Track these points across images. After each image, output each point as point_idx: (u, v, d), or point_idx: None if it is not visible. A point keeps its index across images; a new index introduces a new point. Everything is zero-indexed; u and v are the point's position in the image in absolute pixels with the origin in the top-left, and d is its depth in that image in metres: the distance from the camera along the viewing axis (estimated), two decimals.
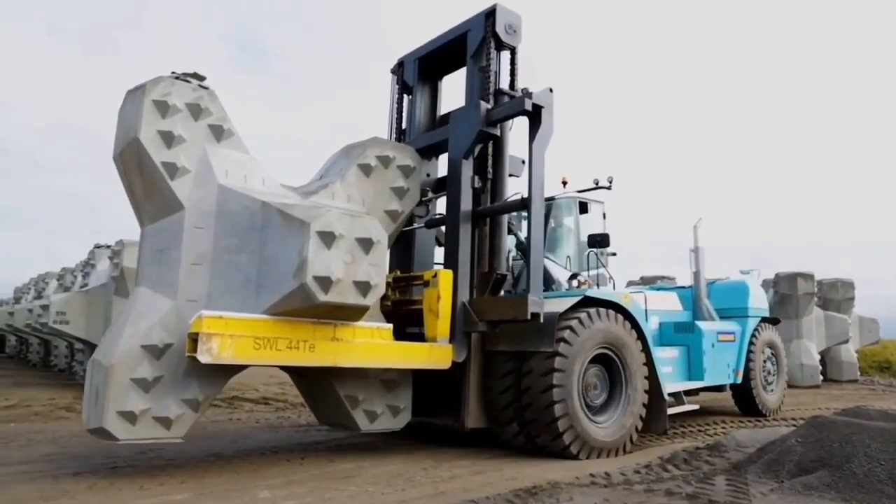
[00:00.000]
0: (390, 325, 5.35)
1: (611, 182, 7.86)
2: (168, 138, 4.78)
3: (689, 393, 8.00)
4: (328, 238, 4.52)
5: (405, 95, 7.33)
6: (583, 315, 5.71)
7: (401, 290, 6.26)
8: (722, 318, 8.65)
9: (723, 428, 7.70)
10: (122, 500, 4.02)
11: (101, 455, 5.38)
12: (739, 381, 8.25)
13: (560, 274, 7.25)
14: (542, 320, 5.34)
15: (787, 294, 15.41)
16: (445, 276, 5.64)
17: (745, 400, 8.57)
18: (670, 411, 6.90)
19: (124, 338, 4.49)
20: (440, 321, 5.56)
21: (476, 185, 6.00)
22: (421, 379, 6.43)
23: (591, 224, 7.76)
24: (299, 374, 5.74)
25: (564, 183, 7.95)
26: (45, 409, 8.64)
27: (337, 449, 6.02)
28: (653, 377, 6.40)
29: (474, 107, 5.93)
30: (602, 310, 5.89)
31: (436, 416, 6.24)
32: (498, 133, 6.07)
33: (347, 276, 4.60)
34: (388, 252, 5.72)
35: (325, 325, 4.87)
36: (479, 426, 5.88)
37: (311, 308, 4.53)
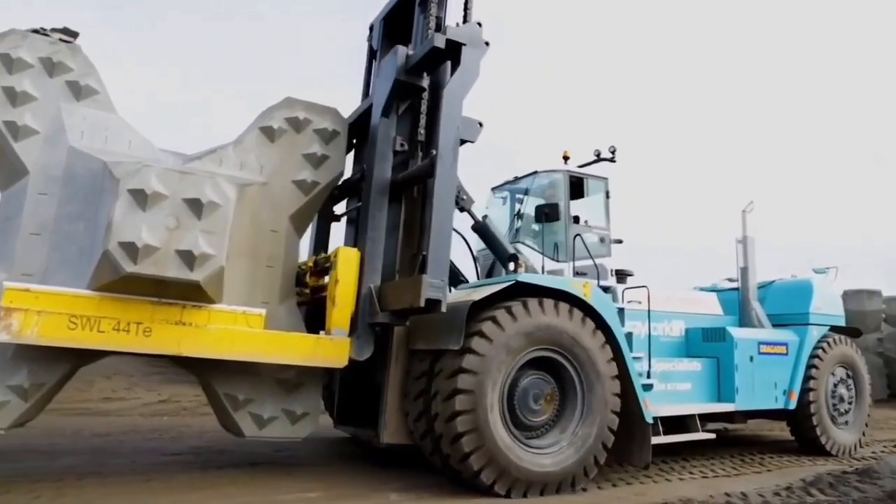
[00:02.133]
0: (263, 311, 4.48)
1: (613, 153, 6.46)
2: (12, 95, 4.31)
3: (721, 418, 6.35)
4: (141, 197, 3.79)
5: (374, 62, 6.50)
6: (512, 306, 4.47)
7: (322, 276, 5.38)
8: (776, 325, 6.79)
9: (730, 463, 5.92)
10: (261, 495, 4.29)
11: (241, 452, 5.74)
12: (793, 406, 6.36)
13: (540, 264, 5.96)
14: (443, 309, 4.20)
15: None
16: (345, 256, 4.69)
17: (802, 432, 6.60)
18: (673, 439, 5.39)
19: None
20: (336, 309, 4.62)
21: (399, 148, 5.01)
22: (353, 383, 5.55)
23: (591, 204, 6.39)
24: (184, 367, 5.05)
25: (566, 158, 6.64)
26: (193, 404, 9.25)
27: None
28: (629, 393, 4.96)
29: (392, 53, 4.95)
30: (545, 301, 4.59)
31: (365, 427, 5.30)
32: (425, 85, 5.03)
33: (168, 245, 3.83)
34: (269, 229, 4.85)
35: (169, 305, 4.13)
36: (396, 441, 4.85)
37: (119, 281, 3.80)
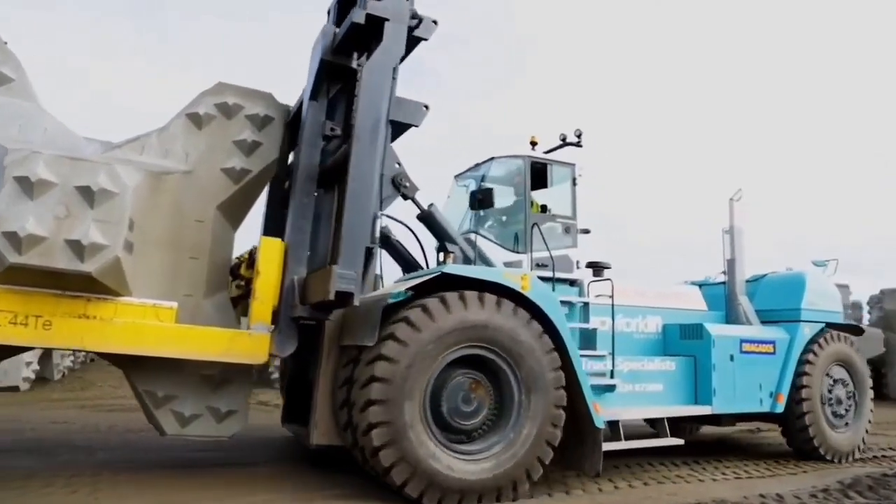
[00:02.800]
0: (174, 304, 4.27)
1: (579, 137, 6.05)
2: None
3: (708, 421, 5.88)
4: (27, 185, 3.62)
5: None
6: (428, 303, 4.13)
7: None
8: (766, 322, 6.25)
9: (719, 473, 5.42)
10: (288, 492, 4.32)
11: (269, 449, 5.84)
12: (780, 409, 5.82)
13: (499, 256, 5.61)
14: (355, 303, 3.91)
15: None
16: (267, 247, 4.46)
17: (795, 436, 6.05)
18: (630, 445, 4.97)
19: None
20: (256, 303, 4.39)
21: (329, 133, 4.74)
22: (297, 380, 5.34)
23: (556, 192, 5.99)
24: (112, 363, 4.89)
25: (533, 144, 6.26)
26: None
27: None
28: (577, 394, 4.57)
29: (321, 33, 4.69)
30: (466, 294, 4.23)
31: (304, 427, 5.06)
32: (356, 66, 4.75)
33: (57, 234, 3.64)
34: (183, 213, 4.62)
35: (73, 298, 3.97)
36: (328, 443, 4.58)
37: (6, 273, 3.64)
